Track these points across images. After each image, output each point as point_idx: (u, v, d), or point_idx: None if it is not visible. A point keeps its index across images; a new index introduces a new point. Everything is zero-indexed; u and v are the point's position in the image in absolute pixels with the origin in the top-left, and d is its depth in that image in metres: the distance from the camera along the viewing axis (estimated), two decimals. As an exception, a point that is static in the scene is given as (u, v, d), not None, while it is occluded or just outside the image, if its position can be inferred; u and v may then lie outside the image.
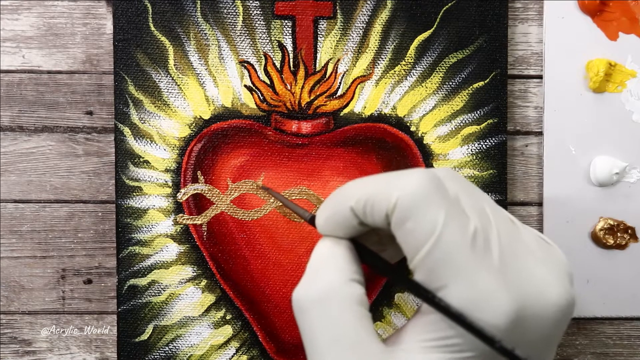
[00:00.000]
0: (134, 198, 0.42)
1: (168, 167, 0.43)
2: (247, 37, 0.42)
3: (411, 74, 0.43)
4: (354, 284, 0.27)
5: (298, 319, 0.27)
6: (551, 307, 0.25)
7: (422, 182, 0.25)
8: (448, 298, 0.24)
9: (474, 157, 0.43)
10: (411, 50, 0.43)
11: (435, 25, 0.42)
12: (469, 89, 0.43)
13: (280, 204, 0.43)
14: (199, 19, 0.42)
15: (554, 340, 0.26)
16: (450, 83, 0.43)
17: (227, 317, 0.43)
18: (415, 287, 0.25)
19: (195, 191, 0.43)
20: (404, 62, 0.43)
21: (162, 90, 0.42)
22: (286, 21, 0.42)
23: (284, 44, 0.42)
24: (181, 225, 0.43)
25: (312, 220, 0.31)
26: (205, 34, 0.42)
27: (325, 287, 0.26)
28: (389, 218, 0.26)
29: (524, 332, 0.25)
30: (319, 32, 0.42)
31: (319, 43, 0.42)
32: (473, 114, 0.43)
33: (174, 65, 0.42)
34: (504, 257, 0.25)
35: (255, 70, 0.42)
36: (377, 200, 0.26)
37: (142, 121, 0.42)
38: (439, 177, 0.26)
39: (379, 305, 0.43)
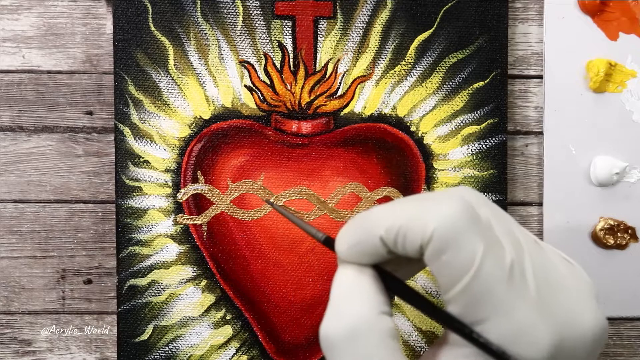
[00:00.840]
0: (134, 198, 0.42)
1: (168, 167, 0.43)
2: (247, 37, 0.42)
3: (411, 74, 0.43)
4: (384, 316, 0.26)
5: (327, 355, 0.26)
6: (587, 335, 0.25)
7: (459, 211, 0.24)
8: (486, 333, 0.24)
9: (474, 157, 0.43)
10: (411, 50, 0.43)
11: (435, 25, 0.42)
12: (469, 89, 0.43)
13: (281, 204, 0.42)
14: (199, 19, 0.42)
15: None
16: (450, 83, 0.43)
17: (227, 317, 0.43)
18: (452, 322, 0.25)
19: (195, 191, 0.43)
20: (404, 62, 0.43)
21: (162, 90, 0.42)
22: (286, 21, 0.42)
23: (284, 44, 0.42)
24: (181, 225, 0.43)
25: (326, 242, 0.30)
26: (205, 34, 0.42)
27: (355, 323, 0.25)
28: (423, 249, 0.25)
29: None
30: (319, 32, 0.42)
31: (319, 43, 0.42)
32: (473, 114, 0.43)
33: (174, 65, 0.42)
34: (539, 287, 0.24)
35: (255, 70, 0.42)
36: (411, 230, 0.25)
37: (142, 121, 0.42)
38: (472, 205, 0.25)
39: (379, 305, 0.43)
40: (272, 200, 0.43)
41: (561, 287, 0.25)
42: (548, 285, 0.25)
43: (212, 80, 0.42)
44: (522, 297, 0.24)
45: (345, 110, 0.43)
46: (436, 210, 0.24)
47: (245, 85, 0.43)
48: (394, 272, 0.29)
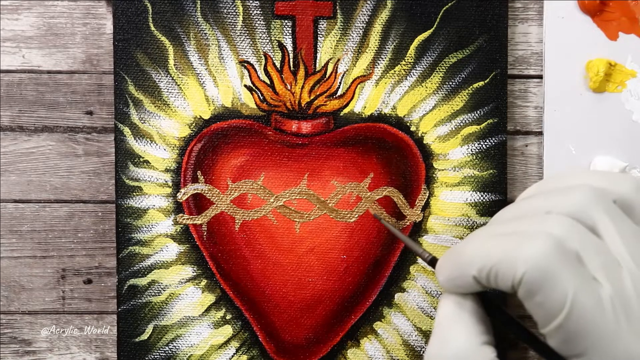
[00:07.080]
0: (134, 198, 0.42)
1: (168, 167, 0.43)
2: (247, 37, 0.42)
3: (411, 74, 0.43)
4: (485, 347, 0.27)
5: None
6: None
7: (549, 253, 0.24)
8: None
9: (474, 157, 0.43)
10: (411, 50, 0.43)
11: (435, 25, 0.42)
12: (469, 89, 0.43)
13: (281, 204, 0.43)
14: (199, 19, 0.42)
15: None
16: (450, 83, 0.43)
17: (227, 317, 0.43)
18: (552, 356, 0.25)
19: (195, 191, 0.43)
20: (404, 62, 0.43)
21: (162, 90, 0.42)
22: (286, 21, 0.42)
23: (284, 44, 0.42)
24: (181, 225, 0.43)
25: (431, 263, 0.32)
26: (205, 34, 0.42)
27: (456, 355, 0.27)
28: (515, 289, 0.25)
29: None
30: (319, 32, 0.42)
31: (319, 43, 0.42)
32: (473, 114, 0.43)
33: (174, 65, 0.42)
34: None
35: (255, 70, 0.42)
36: (501, 272, 0.25)
37: (142, 121, 0.42)
38: (562, 243, 0.25)
39: (379, 305, 0.43)
40: (271, 200, 0.43)
41: None
42: None
43: (212, 80, 0.42)
44: (623, 328, 0.23)
45: (345, 110, 0.43)
46: (525, 252, 0.25)
47: (245, 85, 0.43)
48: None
